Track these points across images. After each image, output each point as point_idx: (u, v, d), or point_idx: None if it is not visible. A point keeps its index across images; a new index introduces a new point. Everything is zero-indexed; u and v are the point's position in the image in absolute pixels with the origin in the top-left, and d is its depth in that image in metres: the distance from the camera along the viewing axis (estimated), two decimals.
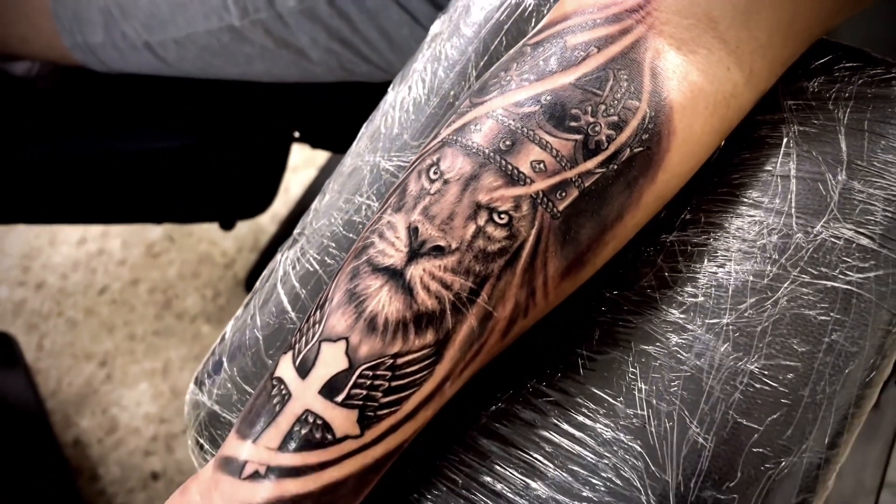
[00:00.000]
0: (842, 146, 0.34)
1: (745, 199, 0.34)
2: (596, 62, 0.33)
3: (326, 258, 0.40)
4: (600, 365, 0.34)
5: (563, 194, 0.32)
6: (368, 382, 0.32)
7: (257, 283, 0.42)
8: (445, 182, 0.33)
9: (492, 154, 0.32)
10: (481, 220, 0.32)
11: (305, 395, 0.32)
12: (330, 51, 0.69)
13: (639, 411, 0.33)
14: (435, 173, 0.33)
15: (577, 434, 0.33)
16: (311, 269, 0.40)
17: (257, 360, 0.39)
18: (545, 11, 0.41)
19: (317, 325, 0.33)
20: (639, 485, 0.31)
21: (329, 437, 0.32)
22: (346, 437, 0.32)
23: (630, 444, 0.32)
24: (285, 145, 0.88)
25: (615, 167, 0.32)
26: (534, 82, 0.33)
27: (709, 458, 0.31)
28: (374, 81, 0.74)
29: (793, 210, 0.33)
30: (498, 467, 0.34)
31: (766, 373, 0.32)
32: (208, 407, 0.39)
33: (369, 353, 0.32)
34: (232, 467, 0.33)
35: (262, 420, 0.33)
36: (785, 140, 0.35)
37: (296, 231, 0.42)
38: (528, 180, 0.32)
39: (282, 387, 0.33)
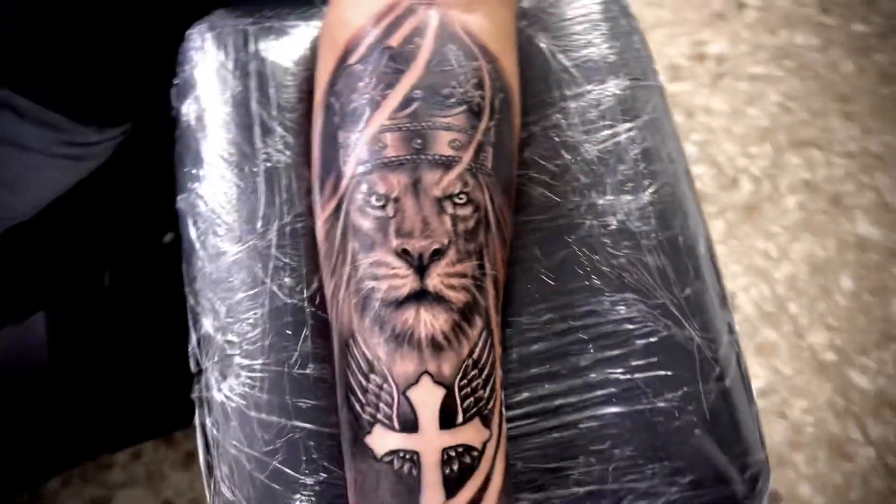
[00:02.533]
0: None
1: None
2: (428, 47, 0.38)
3: (281, 355, 0.38)
4: (558, 268, 0.41)
5: (484, 154, 0.37)
6: (469, 388, 0.34)
7: (206, 436, 0.38)
8: (395, 200, 0.35)
9: (414, 157, 0.35)
10: (450, 209, 0.35)
11: (431, 441, 0.33)
12: None
13: (615, 279, 0.40)
14: (378, 200, 0.35)
15: (592, 318, 0.40)
16: (275, 373, 0.38)
17: (286, 482, 0.36)
18: (266, 67, 0.43)
19: (385, 385, 0.33)
20: (665, 322, 0.40)
21: (475, 453, 0.33)
22: (485, 444, 0.34)
23: (634, 301, 0.40)
24: None
25: (498, 116, 0.38)
26: (395, 87, 0.37)
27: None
28: None
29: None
30: (553, 386, 0.39)
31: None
32: None
33: (452, 368, 0.33)
34: None
35: (406, 494, 0.32)
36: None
37: (207, 363, 0.39)
38: (456, 159, 0.36)
39: (399, 454, 0.33)
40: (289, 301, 0.39)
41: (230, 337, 0.38)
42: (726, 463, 0.39)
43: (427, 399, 0.33)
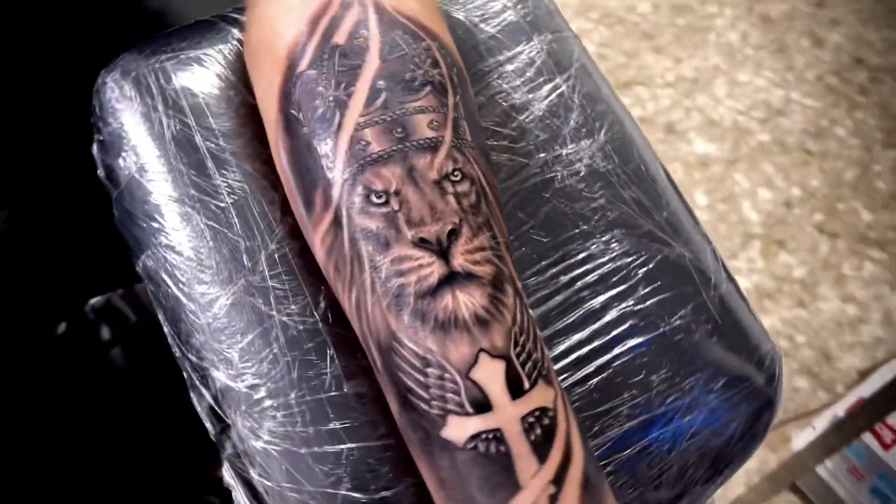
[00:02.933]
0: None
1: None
2: (376, 37, 0.37)
3: (313, 382, 0.36)
4: (545, 225, 0.42)
5: (462, 129, 0.37)
6: (524, 353, 0.34)
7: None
8: (396, 193, 0.34)
9: (400, 147, 0.35)
10: (450, 188, 0.35)
11: (509, 413, 0.32)
12: None
13: (599, 220, 0.42)
14: (379, 197, 0.34)
15: (591, 262, 0.41)
16: (313, 402, 0.36)
17: None
18: (198, 99, 0.40)
19: (445, 375, 0.32)
20: (656, 246, 0.41)
21: (551, 413, 0.33)
22: (554, 401, 0.34)
23: (623, 235, 0.41)
24: None
25: (460, 89, 0.38)
26: (357, 83, 0.36)
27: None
28: None
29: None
30: (577, 335, 0.40)
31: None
32: None
33: (503, 339, 0.33)
34: None
35: (500, 472, 0.32)
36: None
37: (234, 416, 0.36)
38: (440, 139, 0.36)
39: (482, 436, 0.32)
40: (302, 327, 0.37)
41: (251, 381, 0.36)
42: (744, 361, 0.41)
43: (491, 375, 0.33)
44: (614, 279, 0.41)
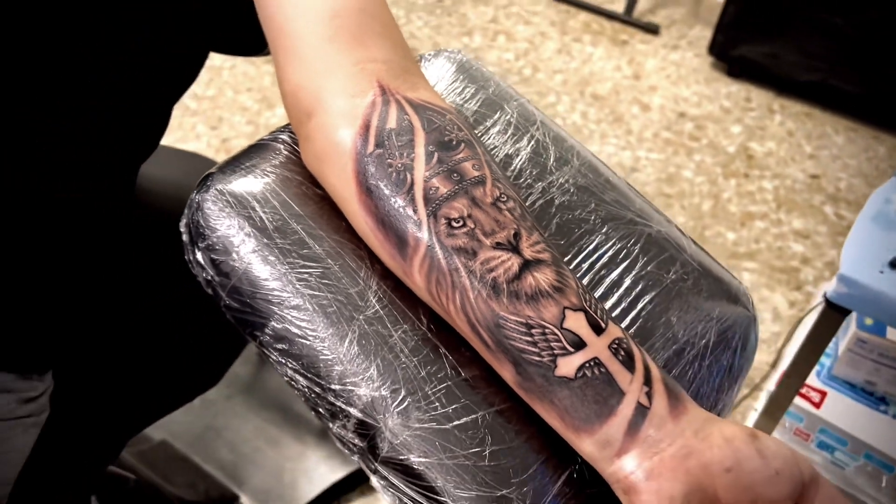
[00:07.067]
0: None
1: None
2: (415, 118, 0.50)
3: (440, 373, 0.46)
4: (558, 233, 0.55)
5: (493, 167, 0.50)
6: (593, 306, 0.46)
7: None
8: (469, 217, 0.47)
9: (460, 186, 0.48)
10: (503, 206, 0.48)
11: (598, 345, 0.44)
12: None
13: (596, 220, 0.55)
14: (457, 222, 0.47)
15: (601, 250, 0.54)
16: (445, 388, 0.46)
17: (505, 453, 0.45)
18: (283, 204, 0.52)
19: (545, 330, 0.44)
20: (639, 228, 0.55)
21: (625, 342, 0.45)
22: (624, 334, 0.46)
23: (615, 226, 0.55)
24: None
25: (479, 143, 0.52)
26: (415, 150, 0.49)
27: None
28: None
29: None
30: (608, 303, 0.53)
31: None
32: None
33: (576, 297, 0.46)
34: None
35: (607, 386, 0.43)
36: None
37: (383, 421, 0.46)
38: (484, 175, 0.49)
39: (586, 365, 0.44)
40: (416, 338, 0.47)
41: (393, 386, 0.46)
42: (727, 295, 0.55)
43: (578, 323, 0.45)
44: (620, 257, 0.54)
